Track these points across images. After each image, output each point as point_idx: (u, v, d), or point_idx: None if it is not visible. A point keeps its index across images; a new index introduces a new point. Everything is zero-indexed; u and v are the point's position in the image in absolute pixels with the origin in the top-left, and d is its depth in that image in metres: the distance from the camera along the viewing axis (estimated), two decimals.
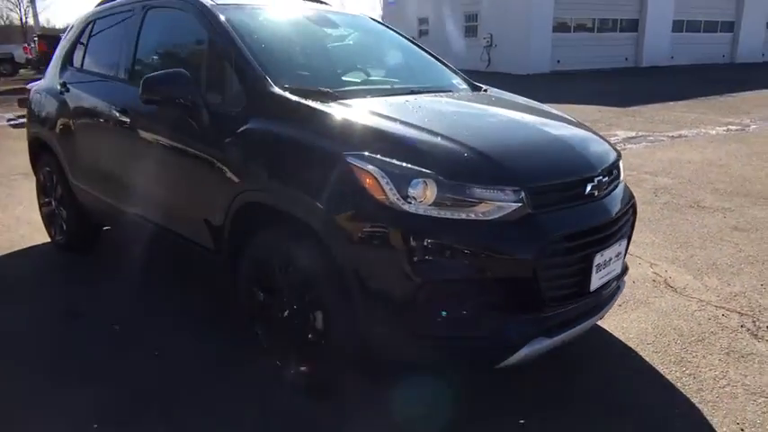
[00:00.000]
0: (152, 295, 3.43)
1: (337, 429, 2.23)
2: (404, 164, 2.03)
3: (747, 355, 2.71)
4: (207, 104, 2.60)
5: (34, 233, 4.56)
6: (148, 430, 2.24)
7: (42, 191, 4.25)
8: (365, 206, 2.03)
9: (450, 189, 2.01)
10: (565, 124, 2.71)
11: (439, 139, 2.16)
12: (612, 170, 2.50)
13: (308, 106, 2.35)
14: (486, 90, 3.31)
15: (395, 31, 3.71)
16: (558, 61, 21.52)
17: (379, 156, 2.06)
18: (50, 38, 15.51)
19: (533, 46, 20.95)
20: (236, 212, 2.46)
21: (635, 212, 2.67)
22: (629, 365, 2.65)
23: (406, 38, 3.66)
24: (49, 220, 4.24)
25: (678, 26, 24.75)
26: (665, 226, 4.66)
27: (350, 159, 2.07)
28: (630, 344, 2.84)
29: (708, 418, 2.27)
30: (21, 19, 43.46)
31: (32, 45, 17.40)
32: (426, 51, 3.60)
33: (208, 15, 2.81)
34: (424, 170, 2.01)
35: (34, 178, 6.44)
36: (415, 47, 3.59)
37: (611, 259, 2.35)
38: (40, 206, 4.35)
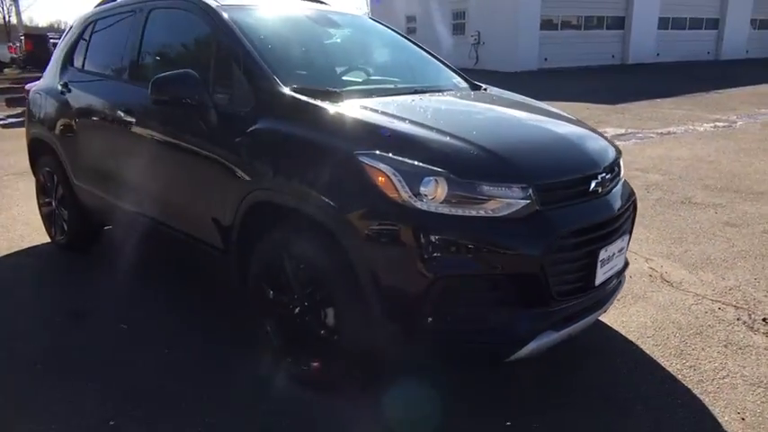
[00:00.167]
0: (157, 294, 3.44)
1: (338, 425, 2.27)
2: (415, 162, 2.07)
3: (745, 348, 2.79)
4: (215, 104, 2.62)
5: (33, 233, 4.55)
6: (163, 426, 2.26)
7: (42, 191, 4.24)
8: (378, 204, 2.07)
9: (460, 187, 2.05)
10: (566, 122, 2.76)
11: (448, 138, 2.21)
12: (614, 167, 2.56)
13: (317, 106, 2.39)
14: (485, 89, 3.36)
15: (394, 30, 3.75)
16: (546, 59, 21.68)
17: (390, 154, 2.10)
18: (36, 37, 15.36)
19: (521, 43, 21.08)
20: (245, 211, 2.49)
21: (635, 209, 2.73)
22: (631, 358, 2.72)
23: (405, 37, 3.70)
24: (49, 221, 4.23)
25: (664, 23, 25.02)
26: (659, 222, 4.74)
27: (362, 158, 2.11)
28: (631, 337, 2.90)
29: (709, 408, 2.33)
30: (3, 18, 42.86)
31: (18, 44, 17.20)
32: (426, 50, 3.65)
33: (213, 16, 2.83)
34: (435, 168, 2.06)
35: (28, 178, 6.45)
36: (414, 46, 3.63)
37: (614, 254, 2.41)
38: (40, 206, 4.34)
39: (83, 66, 3.80)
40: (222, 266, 2.79)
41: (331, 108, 2.37)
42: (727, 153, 7.54)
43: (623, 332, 2.95)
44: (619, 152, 2.71)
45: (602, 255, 2.30)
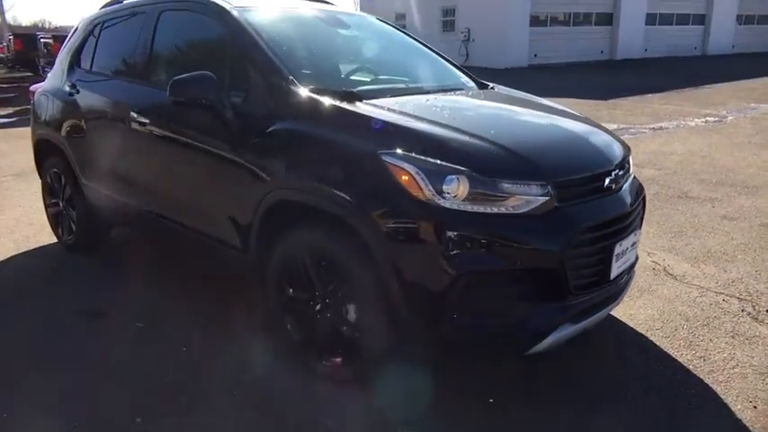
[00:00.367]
0: (170, 292, 3.45)
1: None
2: (438, 161, 2.12)
3: (752, 338, 2.87)
4: (232, 105, 2.65)
5: (38, 234, 4.55)
6: (189, 422, 2.29)
7: (49, 192, 4.23)
8: (401, 202, 2.11)
9: (481, 184, 2.10)
10: (578, 120, 2.82)
11: (467, 137, 2.26)
12: (624, 164, 2.62)
13: (337, 106, 2.43)
14: (492, 87, 3.41)
15: (401, 30, 3.78)
16: (536, 55, 21.81)
17: (413, 154, 2.14)
18: (26, 36, 15.20)
19: (511, 40, 21.18)
20: (265, 210, 2.52)
21: (644, 204, 2.80)
22: (642, 350, 2.79)
23: (412, 37, 3.74)
24: (55, 221, 4.23)
25: (651, 19, 25.23)
26: (658, 216, 4.82)
27: (385, 158, 2.16)
28: (640, 329, 2.97)
29: (722, 397, 2.41)
30: None
31: (6, 44, 17.00)
32: (432, 50, 3.69)
33: (227, 18, 2.86)
34: (457, 167, 2.11)
35: (27, 179, 6.43)
36: (422, 46, 3.67)
37: (627, 249, 2.47)
38: (47, 207, 4.33)
39: (91, 67, 3.80)
40: (239, 265, 2.82)
41: (351, 108, 2.41)
42: (719, 148, 7.66)
43: (632, 325, 3.02)
44: (628, 149, 2.77)
45: (617, 249, 2.36)
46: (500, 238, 2.11)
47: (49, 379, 2.61)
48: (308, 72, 2.75)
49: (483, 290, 2.13)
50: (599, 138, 2.62)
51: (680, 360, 2.69)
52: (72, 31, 4.21)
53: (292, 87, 2.54)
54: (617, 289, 2.54)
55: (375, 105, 2.49)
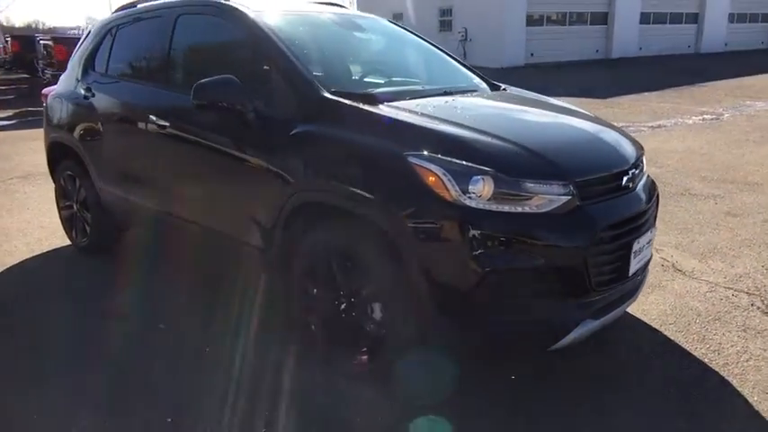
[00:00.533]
0: (189, 293, 3.49)
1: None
2: (464, 162, 2.17)
3: (763, 331, 2.94)
4: (254, 109, 2.69)
5: (50, 237, 4.57)
6: (222, 420, 2.34)
7: (62, 195, 4.26)
8: (429, 203, 2.17)
9: (506, 184, 2.16)
10: (593, 121, 2.89)
11: (491, 138, 2.31)
12: (638, 163, 2.68)
13: (361, 109, 2.48)
14: (504, 88, 3.46)
15: (412, 32, 3.84)
16: (532, 54, 21.94)
17: (439, 155, 2.20)
18: (23, 38, 15.18)
19: (508, 39, 21.29)
20: (290, 211, 2.56)
21: (658, 202, 2.86)
22: (658, 344, 2.85)
23: (424, 39, 3.79)
24: (69, 224, 4.26)
25: (645, 18, 25.43)
26: (662, 213, 4.87)
27: (411, 159, 2.21)
28: (654, 325, 3.04)
29: (738, 389, 2.48)
30: None
31: (3, 45, 16.93)
32: (444, 51, 3.75)
33: (248, 22, 2.90)
34: (482, 167, 2.16)
35: (33, 181, 6.46)
36: (433, 47, 3.72)
37: (644, 246, 2.54)
38: (60, 209, 4.36)
39: (106, 70, 3.83)
40: (261, 265, 2.86)
41: (376, 111, 2.46)
42: (718, 145, 7.76)
43: (646, 320, 3.09)
44: (642, 148, 2.83)
45: (635, 246, 2.43)
46: (525, 236, 2.17)
47: (79, 380, 2.65)
48: (328, 75, 2.81)
49: (508, 287, 2.19)
50: (615, 137, 2.68)
51: (695, 354, 2.76)
52: (85, 34, 4.24)
53: (315, 90, 2.59)
54: (634, 285, 2.61)
55: (397, 108, 2.54)
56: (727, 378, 2.56)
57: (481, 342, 2.32)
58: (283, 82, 2.68)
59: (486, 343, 2.33)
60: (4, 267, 3.99)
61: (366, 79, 3.08)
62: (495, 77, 3.65)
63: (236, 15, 2.98)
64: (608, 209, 2.34)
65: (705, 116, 10.25)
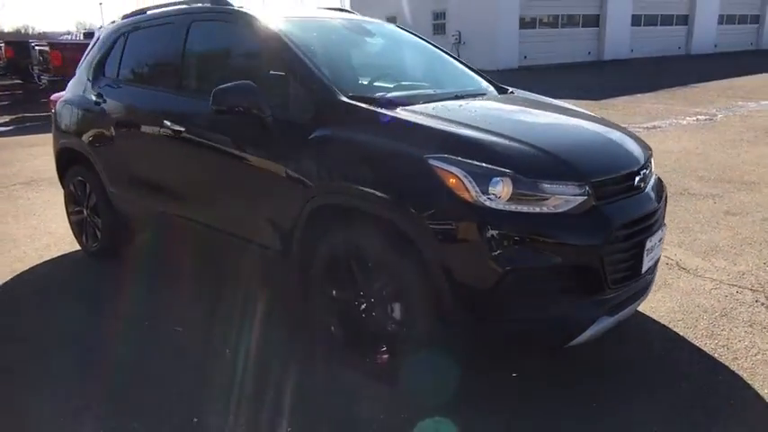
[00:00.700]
0: (204, 296, 3.53)
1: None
2: (483, 164, 2.23)
3: None
4: (273, 113, 2.73)
5: (59, 242, 4.59)
6: (248, 420, 2.39)
7: (72, 200, 4.28)
8: (449, 204, 2.22)
9: (524, 185, 2.22)
10: (601, 123, 2.96)
11: (508, 141, 2.38)
12: (648, 163, 2.76)
13: (380, 113, 2.53)
14: (512, 91, 3.53)
15: (419, 36, 3.90)
16: (525, 57, 22.11)
17: (459, 157, 2.25)
18: (18, 44, 15.09)
19: (501, 42, 21.45)
20: (309, 214, 2.61)
21: (666, 202, 2.94)
22: (668, 341, 2.92)
23: (430, 43, 3.85)
24: (79, 229, 4.28)
25: (637, 20, 25.70)
26: None
27: (432, 161, 2.27)
28: (663, 321, 3.11)
29: (749, 382, 2.55)
30: None
31: None
32: (451, 55, 3.81)
33: (263, 28, 2.96)
34: (501, 169, 2.22)
35: (37, 187, 6.47)
36: (441, 52, 3.78)
37: (656, 244, 2.60)
38: (69, 215, 4.38)
39: (117, 75, 3.87)
40: (279, 267, 2.90)
41: (393, 114, 2.52)
42: (713, 145, 7.87)
43: (655, 317, 3.16)
44: (650, 149, 2.91)
45: (648, 245, 2.50)
46: (542, 236, 2.23)
47: (103, 381, 2.69)
48: (343, 80, 2.86)
49: (527, 285, 2.25)
50: (625, 139, 2.76)
51: (704, 349, 2.83)
52: (94, 40, 4.27)
53: (332, 95, 2.64)
54: (645, 283, 2.67)
55: (414, 111, 2.60)
56: (737, 372, 2.63)
57: (500, 340, 2.38)
58: (301, 87, 2.73)
59: (504, 340, 2.38)
60: (15, 273, 4.01)
61: (378, 83, 3.13)
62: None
63: (251, 22, 3.03)
64: (622, 208, 2.41)
65: (699, 117, 10.38)
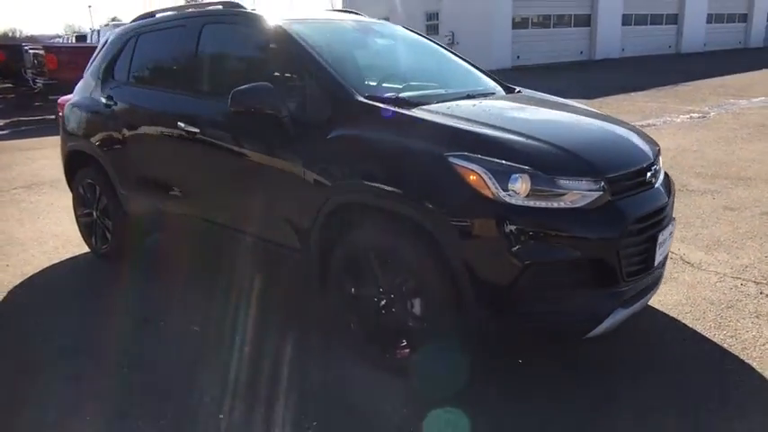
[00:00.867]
0: (217, 296, 3.55)
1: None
2: (503, 161, 2.29)
3: None
4: (290, 114, 2.78)
5: (66, 245, 4.61)
6: (272, 415, 2.43)
7: (81, 203, 4.29)
8: (470, 201, 2.28)
9: (542, 182, 2.29)
10: (612, 120, 3.03)
11: (525, 138, 2.44)
12: (657, 160, 2.83)
13: (398, 112, 2.58)
14: (519, 90, 3.59)
15: (426, 37, 3.96)
16: (518, 56, 22.24)
17: (479, 155, 2.31)
18: (10, 47, 15.01)
19: (494, 42, 21.57)
20: (328, 213, 2.66)
21: (674, 197, 3.01)
22: (678, 332, 3.00)
23: (438, 44, 3.91)
24: (88, 231, 4.30)
25: (627, 20, 25.93)
26: None
27: (452, 160, 2.32)
28: (671, 314, 3.18)
29: (758, 371, 2.62)
30: None
31: None
32: (458, 55, 3.87)
33: (278, 30, 3.00)
34: (521, 166, 2.28)
35: (38, 191, 6.46)
36: (448, 52, 3.84)
37: (666, 238, 2.67)
38: (78, 218, 4.39)
39: (128, 78, 3.89)
40: (297, 266, 2.95)
41: (411, 114, 2.57)
42: (708, 142, 7.98)
43: (663, 310, 3.23)
44: (658, 145, 2.98)
45: (660, 238, 2.57)
46: (561, 230, 2.29)
47: (129, 381, 2.72)
48: (358, 80, 2.91)
49: (547, 279, 2.31)
50: (635, 135, 2.83)
51: (713, 339, 2.90)
52: (102, 43, 4.29)
53: (350, 96, 2.69)
54: (656, 277, 2.74)
55: (430, 111, 2.65)
56: (746, 362, 2.70)
57: (520, 333, 2.44)
58: (318, 88, 2.78)
59: (524, 333, 2.44)
60: (26, 277, 4.02)
61: (390, 84, 3.18)
62: None
63: (264, 25, 3.08)
64: (635, 203, 2.47)
65: (692, 115, 10.51)
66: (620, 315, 2.44)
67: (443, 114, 2.61)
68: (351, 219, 2.64)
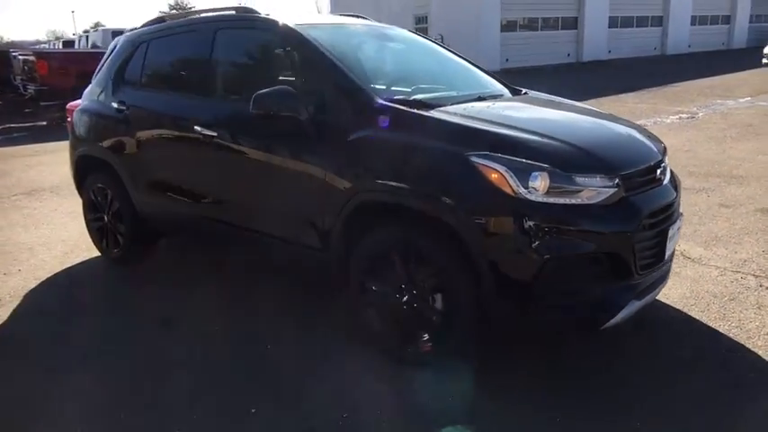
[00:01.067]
0: (235, 296, 3.62)
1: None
2: (523, 160, 2.39)
3: None
4: (310, 117, 2.85)
5: (75, 249, 4.64)
6: (303, 409, 2.50)
7: (92, 207, 4.32)
8: (492, 198, 2.37)
9: (561, 179, 2.38)
10: (618, 119, 3.15)
11: (542, 138, 2.54)
12: (664, 157, 2.94)
13: (417, 114, 2.68)
14: (525, 92, 3.70)
15: (432, 41, 4.05)
16: (507, 59, 22.46)
17: (499, 154, 2.41)
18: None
19: (483, 45, 21.76)
20: (350, 212, 2.74)
21: (680, 193, 3.12)
22: (686, 323, 3.11)
23: (445, 47, 4.01)
24: (99, 235, 4.32)
25: (613, 22, 26.32)
26: None
27: (474, 159, 2.41)
28: (677, 306, 3.30)
29: (764, 358, 2.74)
30: None
31: None
32: (464, 58, 3.97)
33: (295, 35, 3.08)
34: (540, 164, 2.38)
35: (39, 197, 6.47)
36: (455, 56, 3.94)
37: (675, 232, 2.78)
38: (88, 222, 4.41)
39: (140, 83, 3.94)
40: (317, 265, 3.02)
41: (430, 115, 2.66)
42: (699, 142, 8.16)
43: (669, 303, 3.34)
44: (663, 143, 3.10)
45: (670, 233, 2.67)
46: (579, 225, 2.39)
47: (159, 380, 2.78)
48: (376, 83, 2.99)
49: (567, 272, 2.41)
50: (643, 134, 2.95)
51: (720, 330, 3.02)
52: (110, 48, 4.33)
53: (370, 99, 2.78)
54: (665, 271, 2.85)
55: (447, 112, 2.74)
56: (753, 350, 2.82)
57: (540, 324, 2.53)
58: (339, 92, 2.86)
59: (544, 325, 2.53)
60: (40, 281, 4.05)
61: (403, 86, 3.26)
62: None
63: (281, 30, 3.15)
64: (647, 199, 2.58)
65: (681, 115, 10.71)
66: (634, 306, 2.54)
67: (461, 115, 2.70)
68: (373, 218, 2.72)
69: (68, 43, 23.70)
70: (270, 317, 3.32)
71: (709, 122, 9.85)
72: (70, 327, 3.37)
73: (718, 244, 4.26)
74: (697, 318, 3.16)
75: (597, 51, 25.24)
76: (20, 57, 13.14)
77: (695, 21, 30.48)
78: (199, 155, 3.42)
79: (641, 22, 28.03)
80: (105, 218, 4.23)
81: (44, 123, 12.78)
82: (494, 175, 2.37)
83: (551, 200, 2.37)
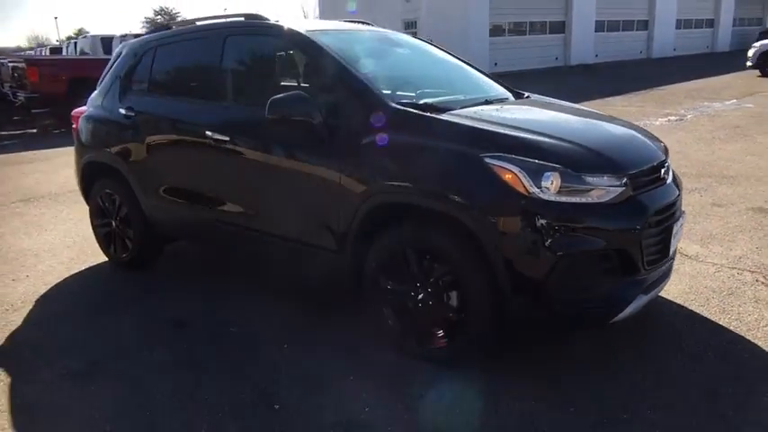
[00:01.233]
0: (247, 298, 3.69)
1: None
2: (536, 160, 2.48)
3: None
4: (324, 121, 2.93)
5: (81, 255, 4.66)
6: (325, 403, 2.58)
7: (99, 213, 4.35)
8: (507, 198, 2.47)
9: (572, 179, 2.48)
10: (620, 121, 3.26)
11: (552, 139, 2.64)
12: (667, 157, 3.05)
13: (431, 117, 2.77)
14: (528, 96, 3.80)
15: (437, 46, 4.15)
16: (496, 63, 22.65)
17: (513, 155, 2.50)
18: None
19: (472, 50, 21.89)
20: (365, 214, 2.81)
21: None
22: (687, 318, 3.22)
23: (448, 53, 4.11)
24: (107, 241, 4.36)
25: (600, 26, 26.70)
26: None
27: (488, 160, 2.51)
28: (678, 302, 3.41)
29: (764, 348, 2.85)
30: None
31: None
32: (469, 64, 4.07)
33: (307, 42, 3.16)
34: (552, 164, 2.48)
35: (38, 204, 6.47)
36: (460, 61, 4.04)
37: (678, 230, 2.89)
38: (95, 227, 4.44)
39: (148, 89, 3.99)
40: (332, 266, 3.08)
41: (443, 118, 2.75)
42: (689, 144, 8.33)
43: (670, 298, 3.46)
44: (665, 145, 3.21)
45: (674, 229, 2.78)
46: (589, 223, 2.49)
47: (181, 380, 2.84)
48: (386, 87, 3.08)
49: (579, 268, 2.50)
50: (647, 135, 3.06)
51: (720, 323, 3.14)
52: (114, 56, 4.37)
53: (383, 103, 2.86)
54: (669, 267, 2.96)
55: (459, 115, 2.84)
56: (753, 341, 2.94)
57: (553, 319, 2.62)
58: (352, 97, 2.93)
59: (557, 318, 2.62)
60: (49, 286, 4.08)
61: (412, 91, 3.34)
62: None
63: (292, 36, 3.23)
64: (653, 197, 2.69)
65: (670, 117, 10.90)
66: (641, 301, 2.65)
67: (472, 118, 2.80)
68: (388, 219, 2.80)
69: (56, 50, 23.56)
70: (282, 319, 3.38)
71: (698, 124, 10.04)
72: (86, 329, 3.41)
73: (714, 241, 4.38)
74: (698, 312, 3.28)
75: (584, 55, 25.57)
76: (9, 64, 13.07)
77: (680, 24, 30.99)
78: (210, 159, 3.48)
79: (627, 26, 28.45)
80: (113, 223, 4.27)
81: (35, 131, 12.72)
82: (508, 176, 2.47)
83: (563, 199, 2.47)
